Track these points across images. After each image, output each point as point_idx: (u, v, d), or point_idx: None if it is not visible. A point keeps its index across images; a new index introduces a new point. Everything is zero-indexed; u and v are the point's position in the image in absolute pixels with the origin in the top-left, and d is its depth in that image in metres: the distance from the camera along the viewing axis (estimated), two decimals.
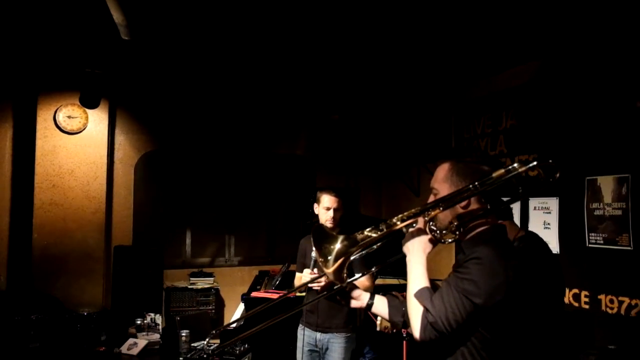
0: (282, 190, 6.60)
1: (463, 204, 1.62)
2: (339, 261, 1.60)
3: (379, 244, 1.68)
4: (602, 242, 3.76)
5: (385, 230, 1.63)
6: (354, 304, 1.96)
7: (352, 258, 1.64)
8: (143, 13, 3.69)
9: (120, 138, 5.78)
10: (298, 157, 6.66)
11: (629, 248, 3.56)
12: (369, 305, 1.94)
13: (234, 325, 4.13)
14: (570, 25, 3.77)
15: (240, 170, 6.42)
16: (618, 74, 3.70)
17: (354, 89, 5.94)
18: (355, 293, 1.96)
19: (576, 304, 3.92)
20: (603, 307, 3.72)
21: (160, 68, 5.31)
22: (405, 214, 1.64)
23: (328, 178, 6.54)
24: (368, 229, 1.64)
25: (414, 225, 1.65)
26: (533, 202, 4.35)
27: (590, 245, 3.85)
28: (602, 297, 3.74)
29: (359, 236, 1.63)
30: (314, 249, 1.83)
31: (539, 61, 4.43)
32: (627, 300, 3.55)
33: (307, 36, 4.23)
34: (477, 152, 5.01)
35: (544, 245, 2.64)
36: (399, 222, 1.63)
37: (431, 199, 1.70)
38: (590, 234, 3.86)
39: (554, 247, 4.10)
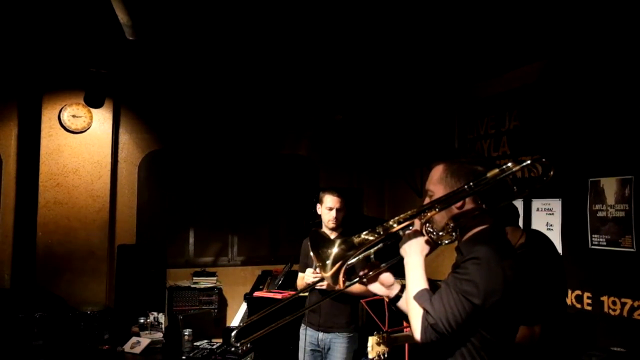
0: (285, 190, 6.60)
1: (458, 204, 1.62)
2: (337, 265, 1.60)
3: (379, 247, 1.69)
4: (605, 243, 3.75)
5: (382, 233, 1.63)
6: (378, 289, 1.76)
7: (350, 262, 1.64)
8: (148, 13, 3.71)
9: (124, 137, 5.80)
10: (301, 158, 6.67)
11: (631, 250, 3.54)
12: (397, 297, 1.74)
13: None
14: (575, 25, 3.76)
15: (244, 170, 6.43)
16: (622, 75, 3.69)
17: (358, 90, 5.94)
18: (387, 280, 1.75)
19: (579, 306, 3.92)
20: (605, 309, 3.71)
21: (165, 68, 5.32)
22: (402, 216, 1.64)
23: (331, 178, 6.55)
24: (365, 232, 1.64)
25: (411, 227, 1.66)
26: (536, 204, 4.34)
27: (593, 247, 3.84)
28: (604, 298, 3.73)
29: (356, 240, 1.63)
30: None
31: (543, 62, 4.42)
32: (629, 302, 3.54)
33: (311, 36, 4.24)
34: (472, 152, 4.99)
35: (549, 244, 2.65)
36: (395, 225, 1.63)
37: (426, 201, 1.70)
38: (593, 236, 3.85)
39: (557, 248, 4.10)
